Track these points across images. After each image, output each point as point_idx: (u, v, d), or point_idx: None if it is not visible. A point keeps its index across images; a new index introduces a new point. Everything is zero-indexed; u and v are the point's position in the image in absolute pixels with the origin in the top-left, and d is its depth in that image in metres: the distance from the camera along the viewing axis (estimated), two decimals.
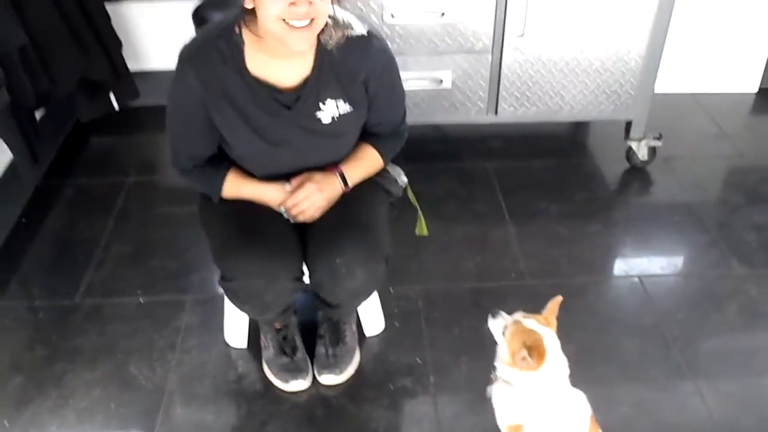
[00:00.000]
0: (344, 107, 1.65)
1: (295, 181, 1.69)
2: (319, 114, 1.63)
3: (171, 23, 2.14)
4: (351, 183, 1.73)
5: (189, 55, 1.58)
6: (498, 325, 1.51)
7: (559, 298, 1.51)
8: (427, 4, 2.35)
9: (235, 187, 1.73)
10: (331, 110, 1.64)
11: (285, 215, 1.71)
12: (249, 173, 1.74)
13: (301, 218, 1.70)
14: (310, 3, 1.44)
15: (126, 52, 2.85)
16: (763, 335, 2.07)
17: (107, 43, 2.67)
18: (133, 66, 2.88)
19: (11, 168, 2.48)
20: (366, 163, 1.77)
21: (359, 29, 1.61)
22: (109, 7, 2.79)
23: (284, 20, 1.45)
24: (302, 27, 1.47)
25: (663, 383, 1.92)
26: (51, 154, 2.75)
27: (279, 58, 1.58)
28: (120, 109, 2.89)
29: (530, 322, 1.47)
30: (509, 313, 1.52)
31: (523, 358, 1.42)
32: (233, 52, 1.56)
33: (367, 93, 1.67)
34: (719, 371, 1.96)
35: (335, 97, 1.63)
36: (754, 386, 1.92)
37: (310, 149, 1.69)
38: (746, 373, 1.95)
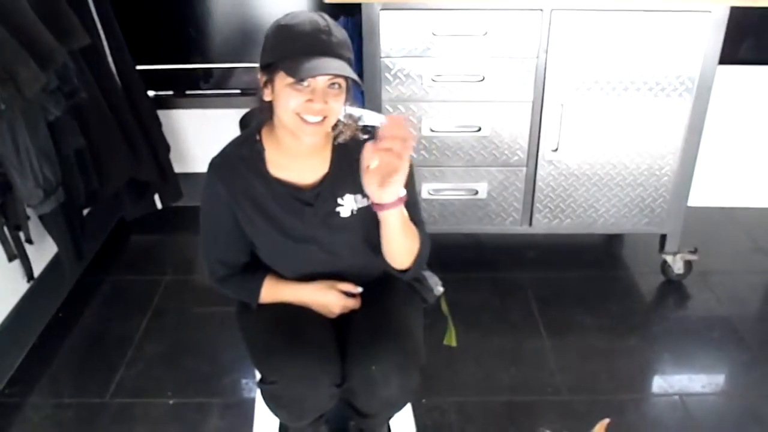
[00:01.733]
0: (362, 201, 1.68)
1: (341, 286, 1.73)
2: (338, 209, 1.67)
3: (217, 128, 2.24)
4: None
5: (215, 163, 1.67)
6: None
7: (606, 421, 1.47)
8: (465, 118, 2.43)
9: (274, 290, 1.75)
10: (349, 204, 1.68)
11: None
12: (284, 278, 1.76)
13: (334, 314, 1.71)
14: (326, 102, 1.52)
15: (173, 155, 2.97)
16: None
17: (157, 146, 2.79)
18: (178, 168, 2.99)
19: (53, 262, 2.53)
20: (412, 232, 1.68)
21: (373, 122, 1.67)
22: (161, 113, 2.94)
23: (299, 114, 1.53)
24: (315, 123, 1.54)
25: None
26: (93, 250, 2.81)
27: (296, 158, 1.65)
28: (162, 208, 2.97)
29: None
30: (552, 430, 1.48)
31: None
32: (255, 157, 1.64)
33: None
34: None
35: (353, 192, 1.67)
36: None
37: (336, 245, 1.71)
38: None
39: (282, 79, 1.51)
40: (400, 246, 1.66)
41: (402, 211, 1.60)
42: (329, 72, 1.49)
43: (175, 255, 2.91)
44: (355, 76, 1.55)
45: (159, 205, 2.94)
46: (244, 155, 1.65)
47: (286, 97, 1.52)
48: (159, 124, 2.89)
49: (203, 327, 2.48)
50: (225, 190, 1.65)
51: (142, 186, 2.80)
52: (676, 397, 2.20)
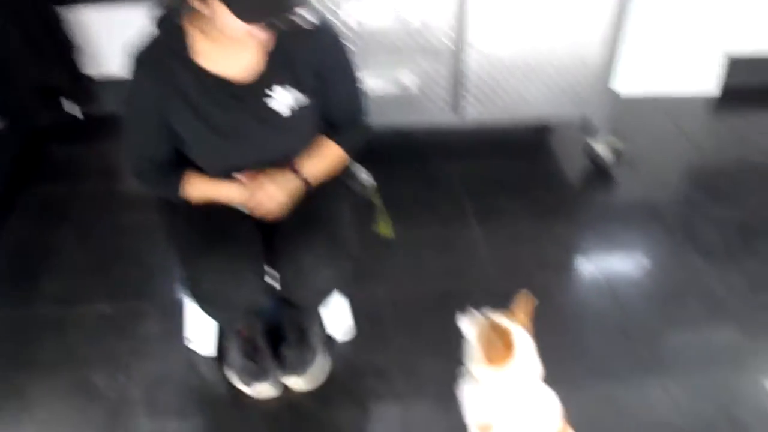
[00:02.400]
0: (299, 98, 1.64)
1: (248, 174, 1.68)
2: (271, 103, 1.62)
3: (132, 27, 2.12)
4: (311, 178, 1.72)
5: (140, 56, 1.58)
6: (469, 321, 1.50)
7: (526, 294, 1.51)
8: (391, 9, 2.35)
9: (195, 187, 1.71)
10: (283, 99, 1.63)
11: (246, 212, 1.69)
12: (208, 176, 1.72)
13: (260, 212, 1.68)
14: (274, 27, 1.47)
15: (85, 60, 2.81)
16: (724, 327, 2.10)
17: (62, 47, 2.62)
18: (90, 71, 2.84)
19: None
20: (326, 157, 1.76)
21: (310, 19, 1.61)
22: (68, 14, 2.75)
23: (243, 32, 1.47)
24: (261, 36, 1.50)
25: (629, 378, 1.93)
26: (8, 162, 2.68)
27: (227, 49, 1.58)
28: (77, 116, 2.83)
29: (501, 319, 1.47)
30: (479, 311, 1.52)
31: (491, 352, 1.42)
32: (182, 47, 1.57)
33: (320, 81, 1.66)
34: (683, 364, 1.99)
35: (282, 83, 1.62)
36: (717, 376, 1.95)
37: (265, 142, 1.67)
38: (709, 364, 1.98)
39: (223, 5, 1.41)
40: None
41: (310, 171, 1.70)
42: (277, 13, 1.44)
43: (98, 164, 2.79)
44: (309, 18, 1.48)
45: (72, 111, 2.79)
46: (171, 46, 1.57)
47: (232, 22, 1.43)
48: (60, 21, 2.70)
49: (131, 234, 2.43)
50: (151, 83, 1.57)
51: (51, 90, 2.65)
52: (601, 276, 2.28)
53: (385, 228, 1.95)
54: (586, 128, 2.73)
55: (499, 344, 1.42)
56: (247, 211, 1.70)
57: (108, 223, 2.48)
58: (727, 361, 1.99)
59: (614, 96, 2.65)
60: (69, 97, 2.77)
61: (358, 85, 1.78)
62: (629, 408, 1.86)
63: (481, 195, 2.63)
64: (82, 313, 2.12)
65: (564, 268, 2.35)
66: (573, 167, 2.83)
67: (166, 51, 1.56)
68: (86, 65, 2.83)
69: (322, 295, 1.76)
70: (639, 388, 1.91)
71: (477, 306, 1.54)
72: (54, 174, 2.75)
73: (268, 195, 1.66)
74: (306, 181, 1.71)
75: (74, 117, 2.84)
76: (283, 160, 1.71)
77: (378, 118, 2.51)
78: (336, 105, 1.74)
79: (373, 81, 2.46)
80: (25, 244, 2.41)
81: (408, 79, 2.49)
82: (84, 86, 2.77)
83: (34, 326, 2.08)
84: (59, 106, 2.75)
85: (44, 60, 2.55)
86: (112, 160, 2.78)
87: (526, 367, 1.46)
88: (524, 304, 1.50)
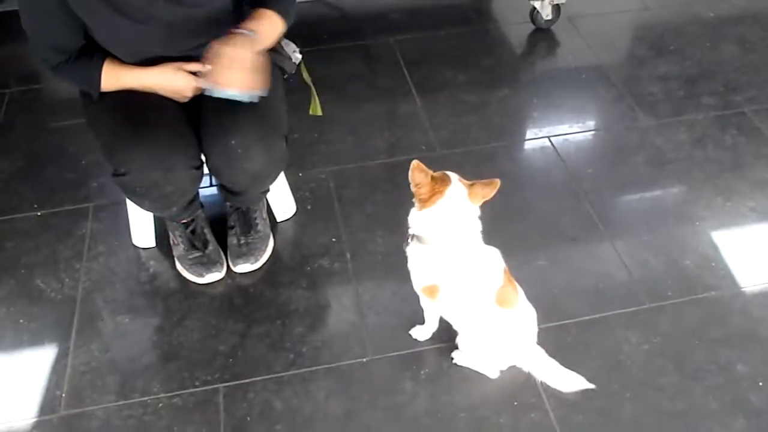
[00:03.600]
0: None
1: (208, 54, 1.48)
2: None
3: None
4: (261, 36, 1.51)
5: None
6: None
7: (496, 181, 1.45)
8: None
9: (115, 77, 1.59)
10: None
11: (207, 92, 1.51)
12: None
13: (235, 88, 1.48)
14: None
15: None
16: (669, 183, 2.13)
17: None
18: None
19: None
20: (264, 21, 1.55)
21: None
22: None
23: None
24: None
25: (576, 235, 1.96)
26: None
27: None
28: None
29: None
30: None
31: (419, 187, 1.40)
32: None
33: None
34: (629, 219, 2.02)
35: None
36: (663, 231, 1.98)
37: (181, 23, 1.55)
38: (655, 219, 2.02)
39: None
40: None
41: (257, 29, 1.50)
42: None
43: (16, 65, 2.63)
44: None
45: None
46: None
47: None
48: None
49: (59, 136, 2.31)
50: None
51: None
52: (545, 139, 2.27)
53: (314, 107, 1.86)
54: None
55: (435, 183, 1.41)
56: (206, 91, 1.51)
57: (35, 127, 2.36)
58: (674, 216, 2.02)
59: None
60: None
61: None
62: (576, 262, 1.89)
63: (421, 66, 2.55)
64: (17, 219, 2.04)
65: (510, 134, 2.32)
66: (514, 30, 2.75)
67: None
68: None
69: (257, 177, 1.70)
70: (587, 246, 1.94)
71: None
72: None
73: (237, 60, 1.46)
74: (254, 35, 1.50)
75: None
76: (202, 46, 1.52)
77: None
78: None
79: None
80: None
81: None
82: None
83: None
84: None
85: None
86: (32, 61, 2.61)
87: (458, 199, 1.43)
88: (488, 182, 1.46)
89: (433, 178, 1.43)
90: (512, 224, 1.97)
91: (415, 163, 1.42)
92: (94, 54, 1.59)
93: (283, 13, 1.60)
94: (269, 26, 1.57)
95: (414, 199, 1.46)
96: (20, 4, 1.51)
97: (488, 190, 1.44)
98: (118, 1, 1.48)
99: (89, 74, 1.59)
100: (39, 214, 2.06)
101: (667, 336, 1.71)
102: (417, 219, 1.46)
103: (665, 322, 1.74)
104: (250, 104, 1.56)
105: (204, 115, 1.62)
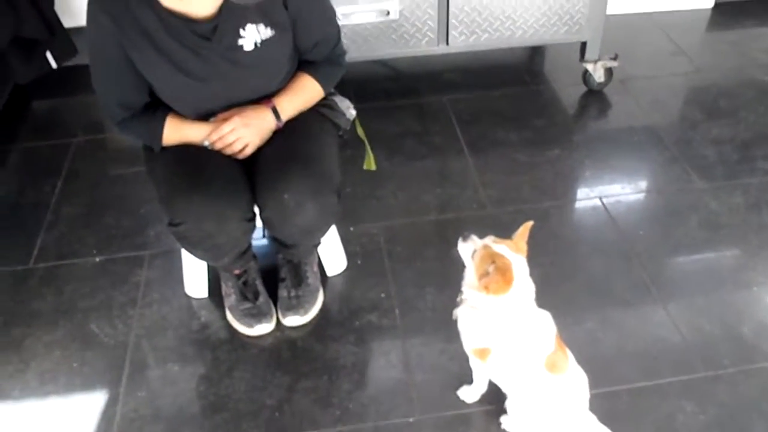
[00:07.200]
0: (266, 32, 1.58)
1: (221, 115, 1.65)
2: (240, 42, 1.57)
3: None
4: (284, 116, 1.68)
5: None
6: (467, 248, 1.47)
7: (529, 223, 1.47)
8: None
9: (177, 131, 1.67)
10: (252, 36, 1.57)
11: (209, 148, 1.65)
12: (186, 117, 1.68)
13: (228, 151, 1.65)
14: None
15: (61, 9, 2.73)
16: (724, 247, 2.08)
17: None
18: (69, 23, 2.76)
19: None
20: (302, 93, 1.71)
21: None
22: None
23: None
24: None
25: (627, 298, 1.93)
26: None
27: None
28: (59, 69, 2.77)
29: (500, 246, 1.44)
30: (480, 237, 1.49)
31: (489, 280, 1.40)
32: None
33: (289, 13, 1.60)
34: (682, 283, 1.98)
35: (255, 22, 1.57)
36: (717, 296, 1.93)
37: (239, 82, 1.63)
38: (708, 283, 1.97)
39: None
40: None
41: (284, 108, 1.66)
42: None
43: (83, 116, 2.75)
44: None
45: (54, 64, 2.73)
46: None
47: None
48: None
49: (121, 185, 2.40)
50: (109, 19, 1.50)
51: (30, 44, 2.58)
52: (597, 199, 2.26)
53: (368, 161, 1.90)
54: (580, 50, 2.66)
55: (497, 275, 1.40)
56: (209, 147, 1.66)
57: (97, 175, 2.45)
58: (729, 281, 1.97)
59: (607, 15, 2.57)
60: (48, 49, 2.70)
61: (332, 19, 1.72)
62: (627, 327, 1.85)
63: (474, 125, 2.58)
64: (77, 264, 2.11)
65: (561, 194, 2.31)
66: (567, 92, 2.77)
67: None
68: (64, 17, 2.75)
69: (308, 231, 1.73)
70: (638, 310, 1.90)
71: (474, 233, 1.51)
72: (40, 128, 2.71)
73: (237, 136, 1.63)
74: (278, 116, 1.67)
75: (56, 70, 2.78)
76: (257, 99, 1.67)
77: (364, 50, 2.47)
78: (309, 37, 1.68)
79: (357, 11, 2.39)
80: (15, 200, 2.39)
81: (393, 7, 2.41)
82: (64, 38, 2.70)
83: (31, 280, 2.07)
84: (40, 59, 2.68)
85: (20, 12, 2.46)
86: (97, 112, 2.74)
87: (523, 294, 1.44)
88: (524, 231, 1.47)
89: (493, 258, 1.42)
90: (562, 285, 1.95)
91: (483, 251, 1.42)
92: (157, 109, 1.67)
93: (323, 83, 1.74)
94: (305, 97, 1.72)
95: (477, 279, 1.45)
96: (91, 64, 1.61)
97: (526, 238, 1.47)
98: (181, 62, 1.57)
99: (152, 129, 1.67)
100: (97, 259, 2.12)
101: (724, 407, 1.65)
102: (482, 300, 1.45)
103: (722, 391, 1.69)
104: (305, 158, 1.62)
105: (258, 168, 1.67)
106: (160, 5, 1.51)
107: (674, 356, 1.77)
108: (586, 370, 1.53)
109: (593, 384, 1.55)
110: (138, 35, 1.53)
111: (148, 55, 1.55)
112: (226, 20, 1.55)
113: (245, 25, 1.57)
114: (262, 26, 1.58)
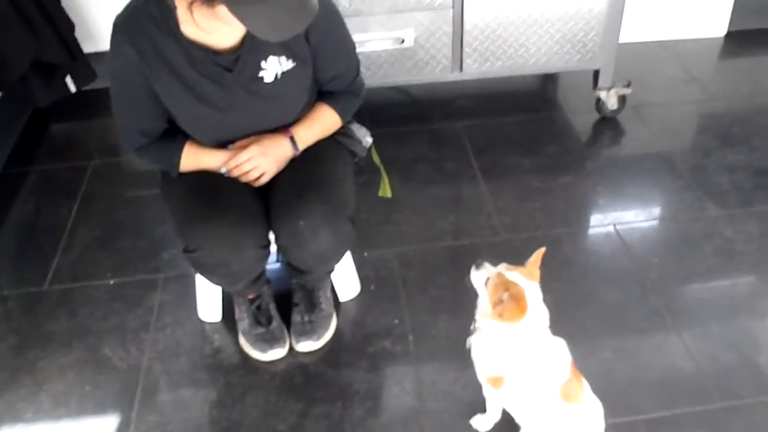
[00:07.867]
0: (287, 64, 1.61)
1: (239, 143, 1.67)
2: (261, 73, 1.59)
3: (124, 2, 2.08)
4: (301, 145, 1.70)
5: (120, 22, 1.54)
6: (480, 276, 1.47)
7: (542, 250, 1.46)
8: None
9: (194, 158, 1.69)
10: (273, 68, 1.60)
11: (226, 175, 1.68)
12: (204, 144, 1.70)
13: (245, 179, 1.67)
14: None
15: (81, 34, 2.78)
16: (739, 275, 2.07)
17: (57, 23, 2.59)
18: (89, 48, 2.81)
19: None
20: (320, 122, 1.73)
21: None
22: None
23: None
24: None
25: (642, 327, 1.91)
26: (10, 142, 2.67)
27: (215, 23, 1.51)
28: (78, 93, 2.81)
29: (513, 274, 1.43)
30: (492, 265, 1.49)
31: (503, 308, 1.39)
32: (165, 15, 1.52)
33: (310, 46, 1.62)
34: (697, 312, 1.96)
35: (277, 54, 1.59)
36: (732, 324, 1.92)
37: (259, 113, 1.65)
38: (725, 311, 1.95)
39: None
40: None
41: (301, 137, 1.69)
42: (290, 33, 1.41)
43: (99, 139, 2.78)
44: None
45: (73, 89, 2.77)
46: (152, 13, 1.52)
47: (232, 20, 1.37)
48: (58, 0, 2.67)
49: (136, 208, 2.42)
50: (133, 50, 1.53)
51: (50, 68, 2.63)
52: (611, 227, 2.25)
53: (383, 188, 1.91)
54: (593, 78, 2.67)
55: (512, 303, 1.39)
56: (225, 174, 1.68)
57: (113, 197, 2.48)
58: (745, 309, 1.96)
59: (620, 43, 2.59)
60: (68, 74, 2.74)
61: (352, 52, 1.74)
62: (642, 356, 1.84)
63: (488, 151, 2.59)
64: (91, 287, 2.12)
65: (574, 221, 2.31)
66: (580, 118, 2.78)
67: (146, 17, 1.51)
68: (84, 42, 2.80)
69: (323, 258, 1.74)
70: (653, 338, 1.88)
71: (487, 260, 1.51)
72: (57, 151, 2.74)
73: (253, 164, 1.65)
74: (295, 145, 1.69)
75: (74, 93, 2.82)
76: (277, 129, 1.69)
77: (379, 77, 2.50)
78: (329, 68, 1.70)
79: (372, 39, 2.42)
80: (32, 222, 2.41)
81: (408, 35, 2.44)
82: (85, 63, 2.74)
83: (45, 302, 2.08)
84: (60, 84, 2.72)
85: (41, 37, 2.50)
86: (114, 135, 2.77)
87: (537, 322, 1.44)
88: (537, 257, 1.47)
89: (507, 286, 1.42)
90: (576, 313, 1.94)
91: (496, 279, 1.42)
92: (176, 136, 1.69)
93: (342, 113, 1.76)
94: (323, 126, 1.74)
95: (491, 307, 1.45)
96: (112, 92, 1.63)
97: (539, 264, 1.46)
98: (202, 92, 1.59)
99: (170, 155, 1.69)
100: (111, 282, 2.13)
101: None
102: (496, 328, 1.45)
103: (739, 423, 1.67)
104: (320, 186, 1.63)
105: (274, 194, 1.68)
106: (184, 37, 1.53)
107: (690, 386, 1.75)
108: (601, 399, 1.51)
109: (609, 414, 1.54)
110: (161, 66, 1.55)
111: (170, 85, 1.57)
112: (248, 52, 1.57)
113: (267, 57, 1.59)
114: (283, 58, 1.60)
